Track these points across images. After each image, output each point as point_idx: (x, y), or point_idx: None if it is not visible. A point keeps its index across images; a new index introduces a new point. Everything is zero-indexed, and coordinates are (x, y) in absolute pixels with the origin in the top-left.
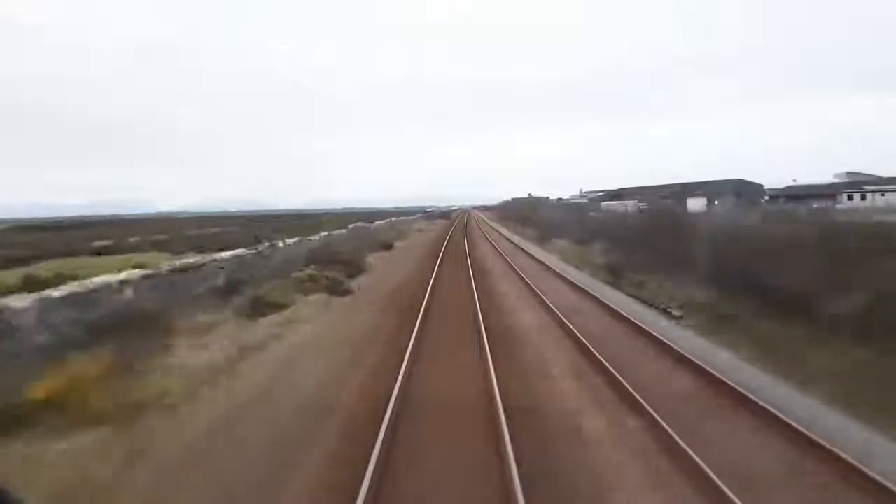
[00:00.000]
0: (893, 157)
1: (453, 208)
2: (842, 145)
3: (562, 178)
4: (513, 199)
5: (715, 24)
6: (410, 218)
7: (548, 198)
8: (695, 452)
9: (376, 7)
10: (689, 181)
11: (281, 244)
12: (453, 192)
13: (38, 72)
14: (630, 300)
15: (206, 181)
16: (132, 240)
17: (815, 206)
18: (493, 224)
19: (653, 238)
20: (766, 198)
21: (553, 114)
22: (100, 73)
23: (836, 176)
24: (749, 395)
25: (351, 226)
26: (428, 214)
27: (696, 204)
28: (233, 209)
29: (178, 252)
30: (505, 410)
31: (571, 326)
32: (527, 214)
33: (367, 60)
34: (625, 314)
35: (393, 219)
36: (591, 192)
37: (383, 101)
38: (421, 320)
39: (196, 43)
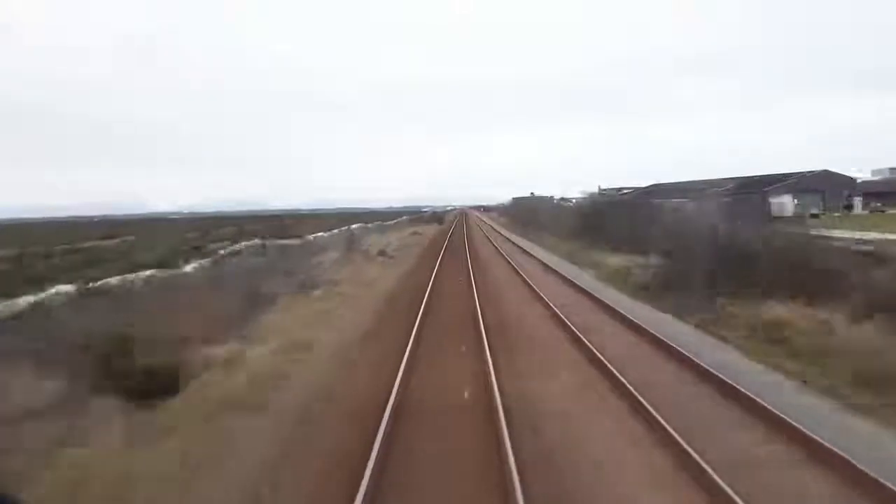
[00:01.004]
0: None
1: (449, 209)
2: (843, 144)
3: (562, 178)
4: (514, 198)
5: (714, 24)
6: (389, 223)
7: (551, 197)
8: None
9: (376, 6)
10: (755, 174)
11: None
12: (453, 192)
13: (32, 72)
14: None
15: (207, 181)
16: None
17: None
18: (523, 245)
19: None
20: (860, 196)
21: (553, 113)
22: (95, 72)
23: (874, 173)
24: None
25: (231, 249)
26: (416, 217)
27: (783, 203)
28: (232, 209)
29: None
30: None
31: None
32: (545, 220)
33: (368, 60)
34: None
35: (354, 227)
36: (612, 189)
37: (383, 101)
38: None
39: (196, 41)
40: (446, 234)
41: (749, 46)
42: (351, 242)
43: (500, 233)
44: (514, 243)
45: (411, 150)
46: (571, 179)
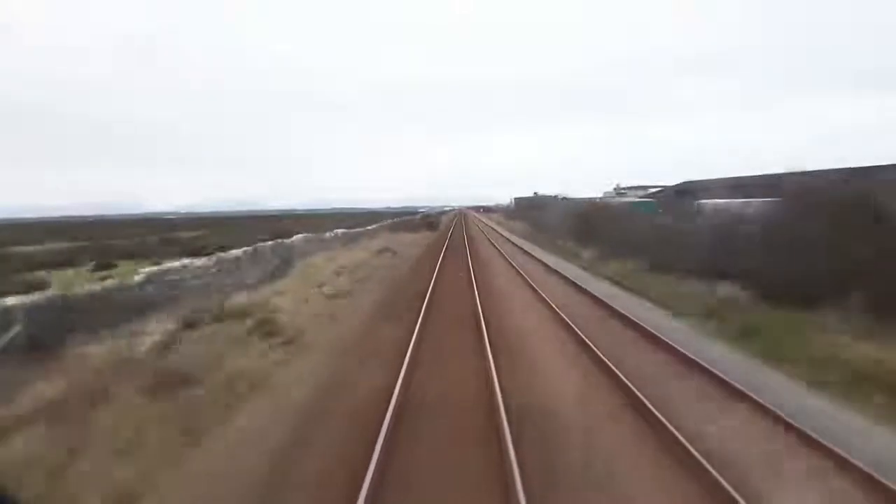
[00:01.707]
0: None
1: (447, 209)
2: (836, 143)
3: (562, 178)
4: (515, 198)
5: (714, 24)
6: (366, 229)
7: (555, 196)
8: None
9: (376, 6)
10: (856, 165)
11: None
12: (451, 192)
13: (31, 72)
14: None
15: (206, 181)
16: None
17: None
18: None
19: None
20: None
21: (552, 113)
22: (96, 72)
23: None
24: None
25: None
26: (404, 221)
27: None
28: (232, 209)
29: None
30: None
31: None
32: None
33: (368, 60)
34: None
35: (296, 238)
36: (634, 188)
37: (383, 101)
38: None
39: (196, 42)
40: (438, 254)
41: (750, 46)
42: (270, 270)
43: (529, 253)
44: (586, 293)
45: (410, 151)
46: (571, 179)
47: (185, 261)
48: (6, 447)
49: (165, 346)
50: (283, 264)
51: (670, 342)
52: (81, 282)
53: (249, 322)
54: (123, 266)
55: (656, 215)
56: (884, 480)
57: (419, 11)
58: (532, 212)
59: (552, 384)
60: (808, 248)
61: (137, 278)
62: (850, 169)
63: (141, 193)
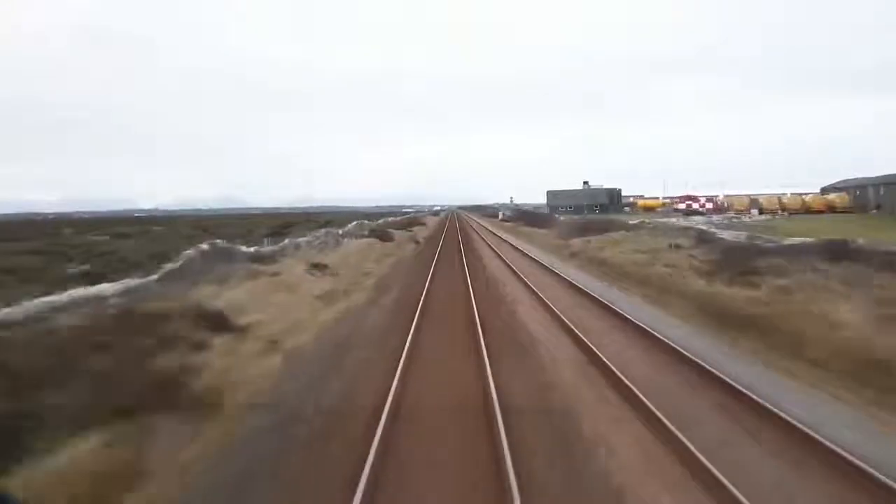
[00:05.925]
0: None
1: (436, 209)
2: (831, 149)
3: (562, 178)
4: (549, 191)
5: (710, 25)
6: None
7: (619, 191)
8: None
9: (356, 3)
10: None
11: None
12: (446, 192)
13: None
14: None
15: (195, 180)
16: None
17: None
18: None
19: None
20: None
21: (551, 113)
22: (78, 68)
23: None
24: None
25: None
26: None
27: None
28: (215, 207)
29: None
30: None
31: None
32: None
33: (366, 57)
34: None
35: None
36: None
37: (377, 98)
38: None
39: (178, 39)
40: None
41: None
42: None
43: None
44: None
45: (404, 149)
46: (568, 179)
47: None
48: None
49: None
50: None
51: None
52: None
53: None
54: None
55: None
56: None
57: (415, 9)
58: None
59: None
60: None
61: None
62: None
63: (133, 190)
